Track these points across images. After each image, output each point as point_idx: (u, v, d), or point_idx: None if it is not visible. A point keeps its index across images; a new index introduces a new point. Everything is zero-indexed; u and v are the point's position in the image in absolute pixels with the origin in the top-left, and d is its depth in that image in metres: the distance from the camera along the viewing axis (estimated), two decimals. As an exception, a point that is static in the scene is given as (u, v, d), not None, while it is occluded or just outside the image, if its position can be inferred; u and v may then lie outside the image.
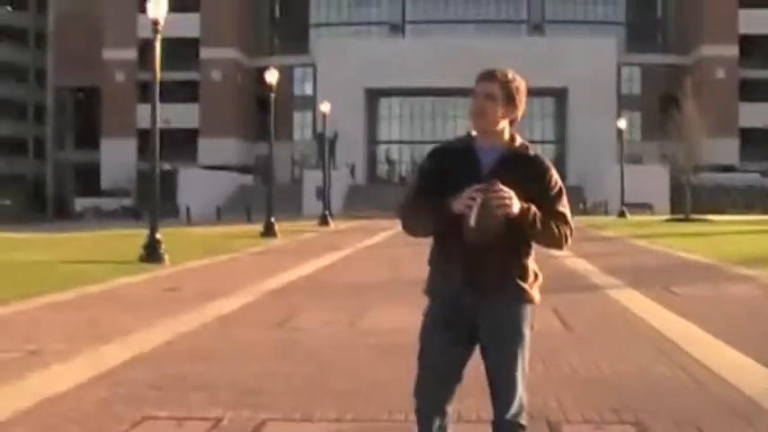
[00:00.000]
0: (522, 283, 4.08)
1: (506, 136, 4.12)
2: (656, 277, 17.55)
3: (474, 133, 4.16)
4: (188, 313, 12.26)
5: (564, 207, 4.13)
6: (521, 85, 4.12)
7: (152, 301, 13.96)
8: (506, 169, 4.01)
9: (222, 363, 8.63)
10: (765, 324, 11.31)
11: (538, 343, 9.54)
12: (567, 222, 4.10)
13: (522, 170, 4.04)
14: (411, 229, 4.16)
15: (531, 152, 4.14)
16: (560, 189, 4.14)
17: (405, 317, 11.14)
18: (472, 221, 3.81)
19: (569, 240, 4.12)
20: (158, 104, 22.86)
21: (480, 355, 4.17)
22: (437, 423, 4.14)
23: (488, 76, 4.11)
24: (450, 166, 4.08)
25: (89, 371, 8.19)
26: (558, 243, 4.09)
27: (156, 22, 22.24)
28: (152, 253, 21.59)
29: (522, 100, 4.13)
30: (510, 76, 4.11)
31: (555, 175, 4.13)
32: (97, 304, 13.54)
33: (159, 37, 22.52)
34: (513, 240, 4.02)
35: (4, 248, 28.48)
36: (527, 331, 4.12)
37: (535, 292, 4.14)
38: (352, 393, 7.23)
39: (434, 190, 4.03)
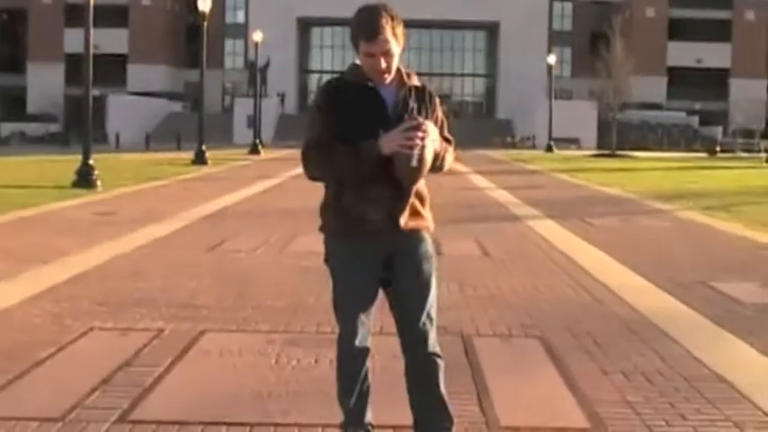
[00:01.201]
0: (425, 212, 4.10)
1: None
2: (575, 209, 18.35)
3: (359, 62, 3.98)
4: (124, 236, 12.69)
5: (447, 132, 4.15)
6: (400, 17, 3.93)
7: (87, 225, 14.33)
8: (406, 103, 3.97)
9: (160, 281, 9.13)
10: (668, 252, 12.13)
11: (458, 268, 10.31)
12: (453, 147, 4.18)
13: (421, 102, 4.02)
14: (322, 172, 3.97)
15: (420, 83, 4.08)
16: (443, 117, 4.17)
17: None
18: (415, 161, 3.82)
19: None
20: (92, 29, 22.87)
21: (388, 290, 4.12)
22: (364, 363, 4.14)
23: (377, 31, 3.84)
24: (353, 107, 3.93)
25: (33, 288, 8.64)
26: (447, 167, 4.12)
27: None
28: (85, 178, 21.83)
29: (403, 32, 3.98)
30: (394, 15, 3.90)
31: (438, 103, 4.13)
32: (34, 227, 13.89)
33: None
34: None
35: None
36: (434, 261, 4.14)
37: (431, 218, 4.16)
38: (281, 309, 7.81)
39: (335, 131, 3.90)
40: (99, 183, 21.98)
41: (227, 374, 5.81)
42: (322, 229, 4.13)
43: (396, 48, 3.90)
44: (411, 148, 3.77)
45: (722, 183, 29.18)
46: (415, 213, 4.04)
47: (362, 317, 4.08)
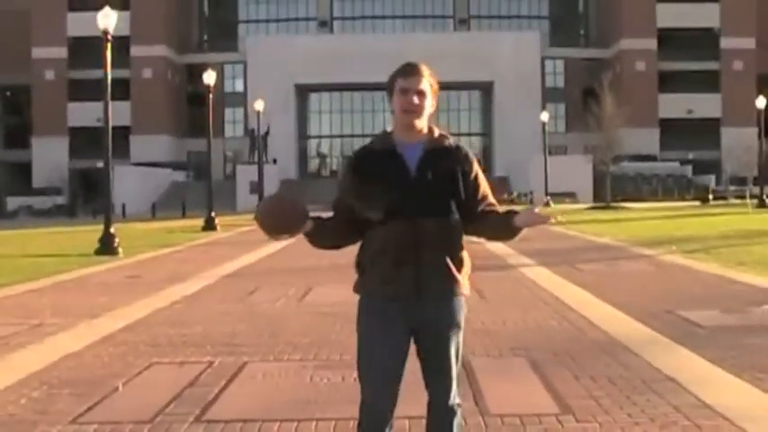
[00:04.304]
0: (459, 277, 4.13)
1: (425, 129, 4.13)
2: (565, 257, 19.80)
3: (390, 129, 4.16)
4: (157, 294, 14.11)
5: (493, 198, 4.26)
6: (436, 79, 4.16)
7: (121, 286, 15.76)
8: (432, 165, 4.05)
9: (200, 327, 10.55)
10: (645, 290, 13.56)
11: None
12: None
13: (447, 163, 4.09)
14: (331, 245, 4.47)
15: (452, 143, 4.16)
16: (483, 179, 4.24)
17: (342, 293, 13.05)
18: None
19: None
20: (110, 102, 24.55)
21: (416, 346, 4.19)
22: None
23: (415, 71, 4.08)
24: (375, 171, 4.05)
25: (92, 336, 10.06)
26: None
27: (105, 32, 23.98)
28: (107, 246, 23.35)
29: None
30: (430, 70, 4.12)
31: (476, 165, 4.20)
32: (72, 289, 15.32)
33: (109, 46, 24.30)
34: (454, 237, 4.14)
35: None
36: (463, 323, 4.19)
37: (467, 284, 4.20)
38: (309, 344, 9.23)
39: (356, 198, 4.08)
40: (120, 250, 23.46)
41: (272, 389, 7.22)
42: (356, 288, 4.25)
43: (429, 94, 4.13)
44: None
45: (708, 228, 30.62)
46: (450, 279, 4.12)
47: (384, 384, 4.09)
